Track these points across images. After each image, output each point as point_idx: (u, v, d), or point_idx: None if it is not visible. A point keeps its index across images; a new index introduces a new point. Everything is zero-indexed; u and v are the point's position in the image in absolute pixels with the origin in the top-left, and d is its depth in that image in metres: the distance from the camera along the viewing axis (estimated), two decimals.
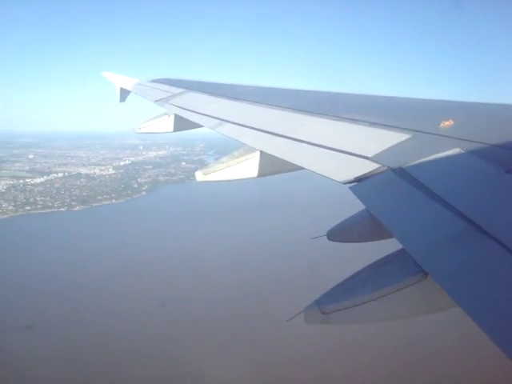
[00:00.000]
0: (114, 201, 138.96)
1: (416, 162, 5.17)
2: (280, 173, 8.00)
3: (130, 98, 18.11)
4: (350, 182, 5.34)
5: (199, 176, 7.66)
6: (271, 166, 7.59)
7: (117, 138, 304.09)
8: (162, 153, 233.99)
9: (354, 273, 4.41)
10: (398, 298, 3.88)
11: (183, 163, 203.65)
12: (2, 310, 64.14)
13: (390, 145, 5.87)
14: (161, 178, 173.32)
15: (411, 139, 5.89)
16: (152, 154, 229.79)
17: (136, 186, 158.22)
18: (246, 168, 7.69)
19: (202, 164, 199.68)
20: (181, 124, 12.12)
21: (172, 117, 12.14)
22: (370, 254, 5.32)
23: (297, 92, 11.91)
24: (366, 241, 6.62)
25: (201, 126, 10.76)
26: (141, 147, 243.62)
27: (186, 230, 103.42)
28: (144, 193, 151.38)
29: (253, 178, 7.93)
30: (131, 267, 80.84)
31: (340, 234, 6.93)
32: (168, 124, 12.32)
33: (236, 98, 11.28)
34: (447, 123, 5.99)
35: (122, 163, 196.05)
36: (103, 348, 55.53)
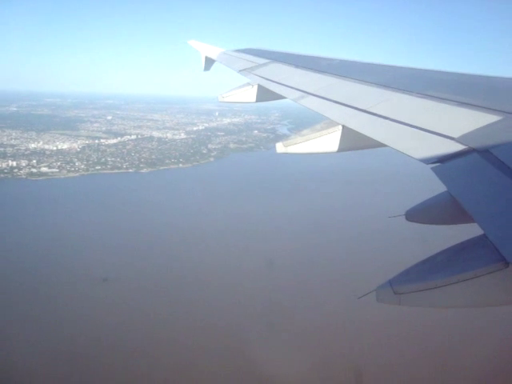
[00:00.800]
0: (181, 165, 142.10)
1: (505, 145, 4.95)
2: (361, 149, 7.90)
3: (214, 66, 18.34)
4: (432, 163, 5.20)
5: (280, 147, 7.68)
6: (353, 141, 7.50)
7: (195, 104, 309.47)
8: (236, 120, 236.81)
9: (431, 255, 4.32)
10: (476, 286, 3.75)
11: (256, 131, 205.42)
12: (78, 263, 67.86)
13: (477, 126, 5.64)
14: (231, 145, 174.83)
15: (502, 121, 5.62)
16: (226, 120, 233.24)
17: (205, 151, 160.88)
18: (326, 142, 7.64)
19: (275, 133, 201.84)
20: (264, 95, 12.16)
21: (255, 87, 12.19)
22: (448, 238, 5.20)
23: (382, 67, 11.60)
24: (444, 224, 6.46)
25: (284, 98, 10.75)
26: (216, 113, 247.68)
27: (250, 201, 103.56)
28: (212, 159, 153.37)
29: (333, 153, 7.87)
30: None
31: (419, 214, 6.80)
32: (251, 94, 12.39)
33: (320, 71, 11.16)
34: None
35: (195, 128, 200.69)
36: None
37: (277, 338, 49.99)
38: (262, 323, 52.89)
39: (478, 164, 4.81)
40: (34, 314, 53.30)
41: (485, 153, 4.92)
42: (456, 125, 5.92)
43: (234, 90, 12.70)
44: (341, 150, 7.73)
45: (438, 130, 5.91)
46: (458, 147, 5.28)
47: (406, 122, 6.56)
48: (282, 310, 55.46)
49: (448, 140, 5.56)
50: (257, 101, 12.54)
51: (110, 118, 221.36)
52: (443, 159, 5.17)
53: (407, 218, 6.75)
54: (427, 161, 5.28)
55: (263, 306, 57.04)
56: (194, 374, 43.95)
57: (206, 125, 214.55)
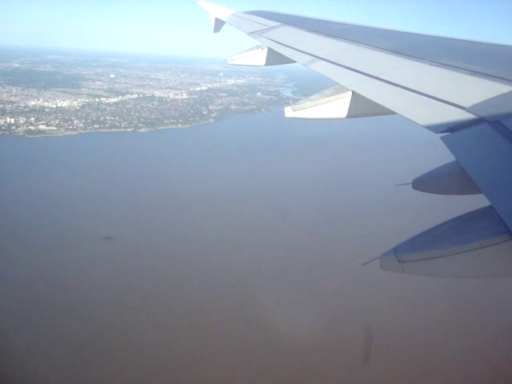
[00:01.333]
0: (180, 125, 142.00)
1: None
2: (370, 115, 7.84)
3: (223, 28, 18.11)
4: (442, 132, 5.17)
5: (288, 112, 7.65)
6: (362, 107, 7.45)
7: (200, 64, 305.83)
8: (240, 81, 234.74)
9: (436, 225, 4.32)
10: (479, 256, 3.76)
11: (259, 93, 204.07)
12: (78, 222, 68.41)
13: (489, 96, 5.58)
14: (232, 107, 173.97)
15: None
16: (230, 81, 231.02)
17: (205, 112, 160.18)
18: (336, 108, 7.61)
19: (278, 96, 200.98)
20: (273, 58, 12.04)
21: (265, 50, 12.08)
22: (454, 208, 5.20)
23: (395, 33, 11.43)
24: (451, 194, 6.45)
25: (294, 62, 10.65)
26: (221, 74, 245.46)
27: (242, 163, 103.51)
28: (211, 120, 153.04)
29: (342, 119, 7.83)
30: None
31: (426, 183, 6.77)
32: (261, 57, 12.27)
33: (332, 36, 11.02)
34: None
35: (197, 89, 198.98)
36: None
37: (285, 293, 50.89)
38: (270, 280, 53.74)
39: (488, 135, 4.78)
40: (31, 269, 54.17)
41: (495, 123, 4.87)
42: (467, 94, 5.86)
43: (244, 53, 12.58)
44: (350, 116, 7.69)
45: (449, 99, 5.85)
46: (468, 117, 5.24)
47: (417, 89, 6.50)
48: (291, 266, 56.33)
49: (459, 109, 5.51)
50: (266, 64, 12.44)
51: (112, 76, 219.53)
52: (453, 128, 5.13)
53: (414, 187, 6.74)
54: (437, 129, 5.25)
55: (272, 261, 58.09)
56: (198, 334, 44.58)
57: (210, 85, 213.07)
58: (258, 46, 12.41)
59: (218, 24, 17.88)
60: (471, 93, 5.85)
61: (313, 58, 9.60)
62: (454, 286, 47.46)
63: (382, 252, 4.23)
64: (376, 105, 6.72)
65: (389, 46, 9.20)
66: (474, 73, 6.51)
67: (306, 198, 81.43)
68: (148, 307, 47.88)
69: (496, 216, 3.64)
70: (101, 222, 68.46)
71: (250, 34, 13.57)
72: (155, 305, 48.53)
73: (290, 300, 49.33)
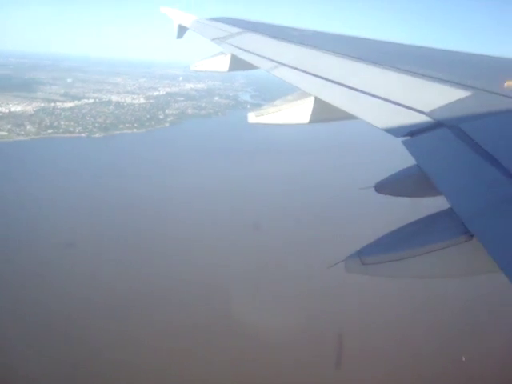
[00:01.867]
0: (135, 130, 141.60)
1: (474, 121, 5.03)
2: (333, 120, 7.91)
3: (187, 34, 18.04)
4: (403, 136, 5.26)
5: (251, 118, 7.67)
6: (325, 112, 7.51)
7: (160, 68, 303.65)
8: (199, 85, 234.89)
9: (399, 227, 4.40)
10: (441, 257, 3.85)
11: (216, 98, 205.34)
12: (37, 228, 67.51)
13: (448, 101, 5.71)
14: (189, 111, 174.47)
15: (472, 97, 5.70)
16: (189, 86, 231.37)
17: (161, 116, 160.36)
18: (298, 113, 7.66)
19: (236, 100, 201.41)
20: (237, 64, 12.07)
21: (228, 56, 12.10)
22: (416, 210, 5.29)
23: (356, 39, 11.62)
24: (413, 196, 6.55)
25: (256, 68, 10.68)
26: (180, 78, 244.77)
27: (191, 167, 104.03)
28: (167, 124, 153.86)
29: (305, 124, 7.89)
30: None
31: (388, 187, 6.87)
32: (224, 63, 12.29)
33: (294, 42, 11.10)
34: None
35: (155, 93, 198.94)
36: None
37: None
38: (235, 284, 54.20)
39: (447, 138, 4.89)
40: None
41: (454, 128, 4.99)
42: (427, 99, 5.98)
43: (207, 59, 12.59)
44: (313, 121, 7.75)
45: (410, 104, 5.96)
46: (428, 121, 5.35)
47: (378, 95, 6.60)
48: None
49: (419, 114, 5.62)
50: (229, 70, 12.46)
51: (70, 80, 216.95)
52: (413, 133, 5.23)
53: (377, 190, 6.82)
54: (398, 134, 5.34)
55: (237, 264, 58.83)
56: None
57: (168, 90, 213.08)
58: (221, 53, 12.43)
59: (181, 30, 17.80)
60: (431, 98, 5.97)
61: (275, 63, 9.65)
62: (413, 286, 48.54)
63: (347, 255, 4.29)
64: (338, 110, 6.79)
65: (350, 52, 9.31)
66: (432, 78, 6.65)
67: (269, 202, 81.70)
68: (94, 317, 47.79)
69: (456, 217, 3.73)
70: (60, 229, 67.63)
71: (213, 40, 13.57)
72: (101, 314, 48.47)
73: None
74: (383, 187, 6.85)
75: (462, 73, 6.99)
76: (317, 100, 7.44)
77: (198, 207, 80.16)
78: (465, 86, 6.00)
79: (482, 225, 3.56)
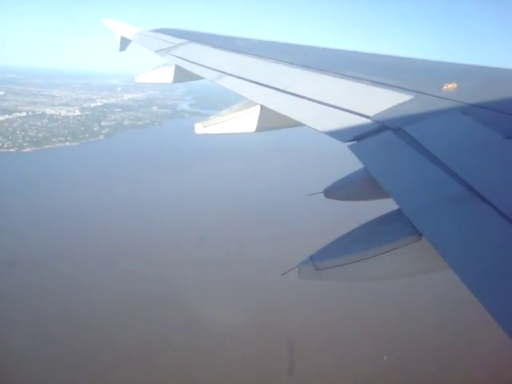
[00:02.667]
0: (68, 144, 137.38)
1: (417, 123, 5.17)
2: (279, 128, 7.95)
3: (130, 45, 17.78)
4: (349, 141, 5.34)
5: (198, 128, 7.61)
6: (271, 121, 7.55)
7: (100, 79, 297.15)
8: (138, 95, 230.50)
9: (350, 231, 4.45)
10: (392, 258, 3.92)
11: (155, 107, 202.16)
12: None
13: (391, 105, 5.85)
14: (125, 122, 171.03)
15: (413, 100, 5.86)
16: (128, 96, 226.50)
17: (96, 129, 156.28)
18: (245, 122, 7.66)
19: (174, 109, 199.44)
20: (181, 75, 12.00)
21: (172, 67, 12.02)
22: (367, 213, 5.37)
23: (299, 47, 11.74)
24: (362, 199, 6.64)
25: (201, 78, 10.65)
26: (119, 89, 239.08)
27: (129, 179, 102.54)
28: (102, 136, 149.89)
29: (252, 133, 7.90)
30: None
31: (337, 191, 6.93)
32: (168, 75, 12.20)
33: (238, 51, 11.12)
34: (450, 86, 5.95)
35: (92, 105, 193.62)
36: None
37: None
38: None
39: (392, 141, 4.99)
40: None
41: (398, 130, 5.10)
42: (371, 103, 6.09)
43: (151, 71, 12.47)
44: (260, 129, 7.76)
45: (354, 109, 6.06)
46: (373, 125, 5.45)
47: (323, 101, 6.67)
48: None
49: (363, 118, 5.72)
50: (174, 81, 12.38)
51: (2, 93, 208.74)
52: (359, 137, 5.31)
53: (326, 195, 6.88)
54: (344, 138, 5.41)
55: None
56: None
57: (105, 101, 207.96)
58: (165, 64, 12.33)
59: (124, 42, 17.54)
60: (374, 102, 6.09)
61: (220, 73, 9.65)
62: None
63: (299, 261, 4.30)
64: (285, 117, 6.83)
65: (293, 59, 9.40)
66: (375, 83, 6.79)
67: (218, 209, 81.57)
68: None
69: (404, 218, 3.81)
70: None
71: (157, 51, 13.45)
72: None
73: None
74: (332, 192, 6.91)
75: (404, 77, 7.16)
76: (263, 108, 7.47)
77: (135, 220, 79.58)
78: (407, 90, 6.16)
79: (429, 224, 3.65)
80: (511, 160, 4.15)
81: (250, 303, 53.42)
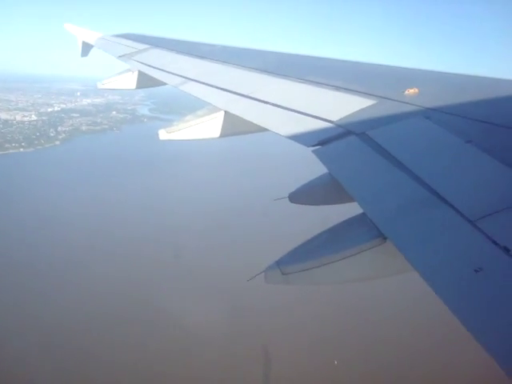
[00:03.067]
0: (22, 150, 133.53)
1: (380, 128, 5.23)
2: (244, 134, 7.96)
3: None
4: (313, 145, 5.37)
5: (162, 134, 7.56)
6: (235, 126, 7.56)
7: (60, 83, 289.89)
8: (98, 100, 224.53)
9: (315, 235, 4.46)
10: (358, 261, 3.96)
11: (114, 112, 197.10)
12: None
13: (354, 110, 5.92)
14: (83, 128, 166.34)
15: (376, 105, 5.94)
16: (87, 101, 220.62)
17: (53, 134, 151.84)
18: (210, 128, 7.65)
19: (134, 114, 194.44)
20: (144, 81, 11.89)
21: (136, 73, 11.89)
22: (332, 217, 5.40)
23: (262, 53, 11.77)
24: (327, 204, 6.67)
25: (164, 84, 10.58)
26: (78, 93, 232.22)
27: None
28: (58, 142, 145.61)
29: (216, 139, 7.89)
30: None
31: (302, 196, 6.96)
32: (131, 80, 12.06)
33: (201, 57, 11.09)
34: (412, 91, 6.05)
35: (49, 109, 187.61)
36: None
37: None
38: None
39: (356, 146, 5.04)
40: None
41: (362, 135, 5.16)
42: (334, 108, 6.15)
43: (114, 77, 12.28)
44: (224, 135, 7.76)
45: (318, 114, 6.10)
46: (336, 130, 5.50)
47: (287, 106, 6.71)
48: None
49: (327, 123, 5.77)
50: (137, 87, 12.24)
51: None
52: (323, 142, 5.34)
53: (291, 200, 6.90)
54: (308, 143, 5.44)
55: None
56: None
57: (63, 106, 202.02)
58: (128, 70, 12.18)
59: (86, 48, 17.24)
60: (337, 107, 6.15)
61: (184, 79, 9.60)
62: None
63: (266, 266, 4.29)
64: (248, 123, 6.84)
65: (257, 65, 9.42)
66: (337, 88, 6.86)
67: (180, 215, 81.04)
68: None
69: (369, 221, 3.85)
70: None
71: (120, 57, 13.29)
72: None
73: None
74: (297, 197, 6.94)
75: (367, 82, 7.25)
76: (227, 114, 7.46)
77: (90, 226, 78.27)
78: (370, 95, 6.24)
79: (393, 227, 3.70)
80: (472, 163, 4.24)
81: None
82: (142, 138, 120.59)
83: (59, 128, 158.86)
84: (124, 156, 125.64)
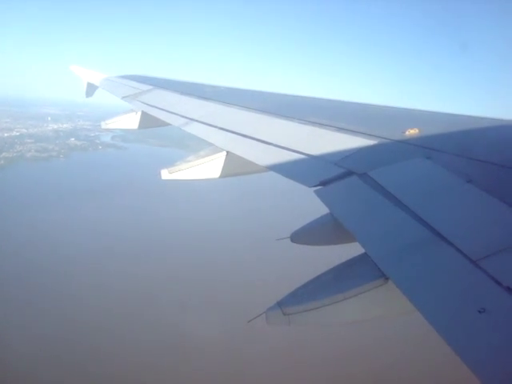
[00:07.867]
0: None
1: (381, 168, 5.26)
2: (246, 174, 8.00)
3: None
4: (315, 186, 5.39)
5: (165, 174, 7.58)
6: (237, 166, 7.59)
7: (37, 107, 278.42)
8: (66, 126, 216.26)
9: (317, 275, 4.44)
10: (360, 302, 3.94)
11: (72, 139, 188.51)
12: None
13: (355, 150, 5.96)
14: (28, 154, 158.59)
15: (377, 146, 5.99)
16: (53, 126, 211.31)
17: None
18: (211, 168, 7.67)
19: (94, 141, 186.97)
20: (147, 121, 12.00)
21: (139, 113, 12.01)
22: (333, 258, 5.37)
23: (265, 94, 11.92)
24: (329, 244, 6.66)
25: (168, 125, 10.67)
26: (49, 118, 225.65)
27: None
28: None
29: (217, 179, 7.92)
30: None
31: (303, 236, 6.96)
32: (134, 120, 12.17)
33: (205, 98, 11.22)
34: (412, 131, 6.11)
35: (6, 134, 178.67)
36: None
37: None
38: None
39: (357, 186, 5.06)
40: None
41: (363, 175, 5.19)
42: (336, 149, 6.20)
43: (118, 117, 12.40)
44: (226, 175, 7.78)
45: (319, 154, 6.15)
46: (338, 170, 5.53)
47: (289, 147, 6.75)
48: None
49: (329, 164, 5.80)
50: (140, 127, 12.32)
51: None
52: (325, 182, 5.37)
53: (292, 240, 6.89)
54: (310, 184, 5.46)
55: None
56: None
57: (25, 131, 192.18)
58: (131, 110, 12.33)
59: (91, 88, 17.52)
60: (339, 148, 6.19)
61: (187, 120, 9.69)
62: None
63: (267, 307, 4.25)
64: (251, 163, 6.88)
65: (259, 106, 9.52)
66: (339, 129, 6.92)
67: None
68: None
69: (371, 262, 3.83)
70: None
71: (124, 98, 13.47)
72: None
73: None
74: (299, 237, 6.94)
75: (367, 123, 7.32)
76: (229, 154, 7.51)
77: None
78: (370, 136, 6.30)
79: (395, 267, 3.68)
80: (473, 203, 4.25)
81: None
82: (85, 166, 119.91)
83: (3, 154, 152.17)
84: (52, 185, 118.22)
